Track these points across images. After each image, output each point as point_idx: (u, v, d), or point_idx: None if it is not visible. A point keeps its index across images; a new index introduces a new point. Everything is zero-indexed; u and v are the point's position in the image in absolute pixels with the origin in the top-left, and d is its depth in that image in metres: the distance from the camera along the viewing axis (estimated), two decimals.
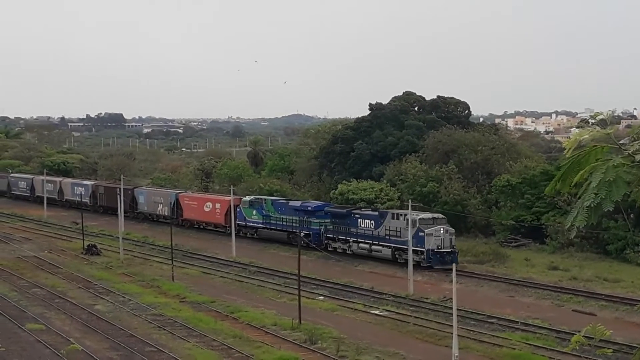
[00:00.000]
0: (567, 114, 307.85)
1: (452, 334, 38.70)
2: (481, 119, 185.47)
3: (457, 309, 40.10)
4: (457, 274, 59.96)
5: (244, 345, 44.15)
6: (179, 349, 43.56)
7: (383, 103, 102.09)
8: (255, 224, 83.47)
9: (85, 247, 79.03)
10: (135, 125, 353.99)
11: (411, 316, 51.51)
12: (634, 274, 62.12)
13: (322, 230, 75.38)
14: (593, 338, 7.30)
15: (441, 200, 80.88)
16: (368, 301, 56.88)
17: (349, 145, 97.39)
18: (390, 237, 67.59)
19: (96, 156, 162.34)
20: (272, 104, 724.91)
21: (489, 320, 50.24)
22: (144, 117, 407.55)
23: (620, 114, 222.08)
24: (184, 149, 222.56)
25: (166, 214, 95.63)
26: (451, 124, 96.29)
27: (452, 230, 66.85)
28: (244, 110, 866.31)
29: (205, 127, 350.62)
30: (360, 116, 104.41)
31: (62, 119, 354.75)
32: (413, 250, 62.80)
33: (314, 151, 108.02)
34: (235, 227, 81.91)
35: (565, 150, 6.80)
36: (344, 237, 72.76)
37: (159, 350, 43.06)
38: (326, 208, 76.33)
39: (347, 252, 72.34)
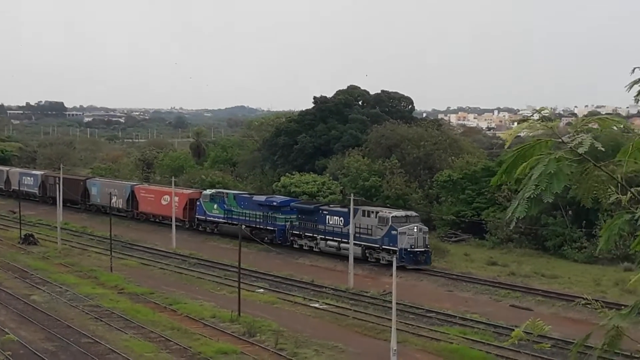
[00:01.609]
0: (508, 110, 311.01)
1: (391, 327, 38.77)
2: (424, 114, 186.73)
3: (397, 303, 40.18)
4: (397, 268, 60.58)
5: (182, 337, 43.83)
6: (116, 340, 43.10)
7: (327, 96, 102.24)
8: (216, 219, 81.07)
9: (22, 236, 77.87)
10: (76, 114, 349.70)
11: (351, 310, 51.57)
12: (571, 270, 62.97)
13: (287, 226, 72.88)
14: (532, 333, 7.23)
15: (383, 194, 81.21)
16: (308, 294, 56.83)
17: (292, 138, 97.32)
18: (361, 235, 64.76)
19: (35, 145, 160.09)
20: (216, 96, 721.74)
21: (427, 315, 50.49)
22: (85, 105, 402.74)
23: (562, 112, 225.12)
24: (125, 139, 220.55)
25: (121, 206, 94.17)
26: (394, 118, 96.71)
27: (426, 229, 65.03)
28: (187, 101, 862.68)
29: (147, 117, 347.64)
30: (304, 109, 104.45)
31: (1, 106, 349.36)
32: (385, 249, 62.60)
33: (257, 143, 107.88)
34: (194, 222, 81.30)
35: (505, 142, 6.77)
36: (311, 234, 70.47)
37: (95, 342, 42.55)
38: (292, 203, 73.79)
39: (314, 249, 70.30)
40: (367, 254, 65.06)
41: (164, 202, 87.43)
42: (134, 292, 56.13)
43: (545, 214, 68.21)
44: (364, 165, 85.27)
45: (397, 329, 38.94)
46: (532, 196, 6.29)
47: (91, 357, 39.79)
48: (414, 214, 65.88)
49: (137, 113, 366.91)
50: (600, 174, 6.49)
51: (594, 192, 6.61)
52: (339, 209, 68.44)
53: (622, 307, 7.62)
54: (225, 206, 79.98)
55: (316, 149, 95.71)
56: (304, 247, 71.30)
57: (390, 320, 39.55)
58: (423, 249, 63.31)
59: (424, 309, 51.50)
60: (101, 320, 47.62)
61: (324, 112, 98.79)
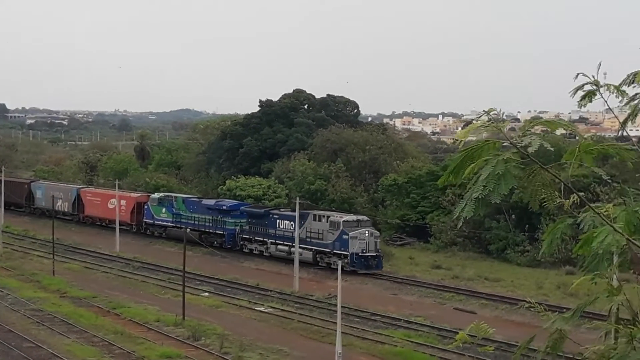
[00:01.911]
0: (453, 115, 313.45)
1: (336, 331, 38.87)
2: (370, 119, 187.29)
3: (342, 307, 40.30)
4: (347, 273, 60.67)
5: (125, 341, 43.49)
6: (58, 344, 42.63)
7: (273, 100, 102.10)
8: (165, 223, 79.88)
9: None
10: (18, 116, 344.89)
11: (296, 313, 51.59)
12: (514, 273, 63.61)
13: (237, 230, 72.16)
14: (476, 336, 7.31)
15: (329, 198, 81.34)
16: (253, 298, 56.74)
17: (237, 141, 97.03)
18: (312, 240, 64.60)
19: None
20: (161, 98, 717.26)
21: (372, 318, 50.68)
22: (27, 107, 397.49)
23: (505, 117, 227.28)
24: (68, 142, 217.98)
25: (66, 210, 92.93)
26: (340, 122, 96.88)
27: (377, 233, 65.10)
28: (132, 104, 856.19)
29: (90, 120, 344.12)
30: (249, 112, 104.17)
31: None
32: (336, 253, 62.42)
33: (202, 146, 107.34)
34: (142, 226, 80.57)
35: (458, 141, 6.82)
36: (262, 239, 69.86)
37: (37, 346, 42.06)
38: (242, 207, 73.30)
39: (265, 254, 69.67)
40: (319, 259, 64.82)
41: (110, 206, 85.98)
42: (76, 296, 55.55)
43: (489, 218, 68.87)
44: (309, 169, 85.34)
45: (342, 332, 39.05)
46: (479, 197, 6.33)
47: None
48: (365, 218, 65.76)
49: (80, 115, 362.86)
50: (546, 177, 6.57)
51: (541, 195, 6.69)
52: (289, 213, 67.72)
53: (565, 310, 7.75)
54: (174, 210, 79.08)
55: (262, 153, 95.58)
56: (254, 252, 70.68)
57: (335, 323, 39.66)
58: (374, 254, 63.08)
59: (368, 313, 51.68)
60: (43, 325, 47.06)
61: (270, 116, 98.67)
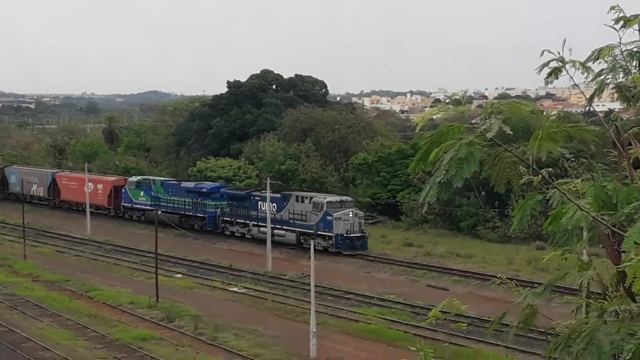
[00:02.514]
0: (421, 93, 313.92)
1: (310, 310, 39.06)
2: (338, 98, 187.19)
3: (315, 285, 40.48)
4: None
5: (99, 324, 43.51)
6: (31, 328, 42.56)
7: (241, 81, 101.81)
8: (143, 206, 79.37)
9: None
10: None
11: (270, 293, 51.77)
12: (485, 249, 64.05)
13: (218, 213, 71.96)
14: (449, 312, 7.44)
15: (299, 177, 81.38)
16: (227, 278, 56.85)
17: (206, 122, 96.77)
18: (295, 221, 64.60)
19: None
20: (128, 81, 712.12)
21: (345, 296, 50.96)
22: None
23: (472, 94, 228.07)
24: (36, 125, 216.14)
25: (42, 194, 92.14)
26: (309, 102, 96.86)
27: (362, 214, 64.97)
28: (99, 87, 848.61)
29: (57, 103, 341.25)
30: (218, 94, 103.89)
31: None
32: (320, 234, 62.24)
33: (171, 128, 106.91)
34: (120, 210, 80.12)
35: (417, 127, 6.91)
36: (243, 221, 69.68)
37: (10, 330, 41.99)
38: (222, 189, 73.13)
39: (247, 236, 69.39)
40: (302, 240, 64.31)
41: (86, 190, 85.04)
42: (49, 279, 55.42)
43: (459, 195, 69.24)
44: (279, 149, 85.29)
45: (316, 311, 39.26)
46: (442, 181, 6.41)
47: (6, 346, 39.23)
48: (349, 199, 65.64)
49: (47, 99, 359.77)
50: (511, 156, 6.65)
51: (506, 175, 6.77)
52: (271, 194, 66.60)
53: (536, 285, 7.89)
54: (153, 193, 78.72)
55: (231, 134, 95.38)
56: (236, 234, 70.45)
57: (309, 302, 39.85)
58: (359, 234, 63.13)
59: (342, 291, 51.95)
60: (16, 309, 46.96)
61: (238, 97, 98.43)
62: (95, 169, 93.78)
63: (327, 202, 63.46)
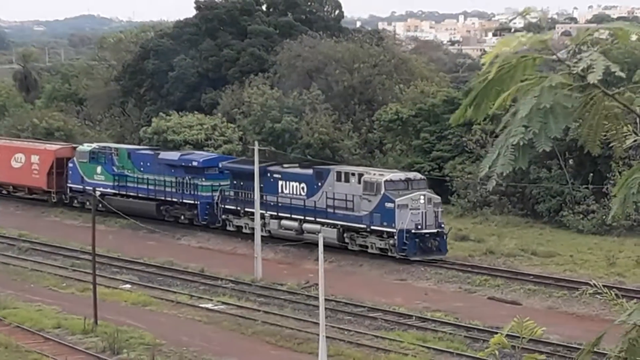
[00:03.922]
0: (479, 15, 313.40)
1: (317, 335, 39.15)
2: (359, 24, 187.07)
3: (326, 300, 40.57)
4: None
5: (11, 358, 43.63)
6: None
7: (216, 0, 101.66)
8: (102, 189, 73.35)
9: None
10: None
11: (259, 311, 51.84)
12: (574, 244, 63.86)
13: (217, 198, 69.38)
14: (520, 338, 7.47)
15: (302, 141, 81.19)
16: (197, 290, 56.94)
17: (165, 61, 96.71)
18: (336, 211, 62.06)
19: None
20: (51, 1, 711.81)
21: (370, 315, 50.98)
22: None
23: (555, 16, 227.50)
24: None
25: None
26: (315, 30, 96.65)
27: (438, 198, 62.41)
28: (7, 10, 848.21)
29: None
30: (182, 19, 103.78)
31: None
32: (375, 230, 60.41)
33: (114, 70, 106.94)
34: (66, 194, 78.31)
35: (484, 68, 6.71)
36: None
37: None
38: (223, 163, 70.62)
39: (262, 232, 62.61)
40: (347, 239, 62.32)
41: (16, 164, 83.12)
42: None
43: (536, 166, 68.97)
44: (272, 100, 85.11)
45: (326, 337, 39.34)
46: (520, 142, 6.23)
47: None
48: (418, 176, 63.57)
49: None
50: (613, 106, 6.57)
51: (604, 132, 6.70)
52: (298, 170, 65.88)
53: None
54: (115, 169, 75.82)
55: (202, 77, 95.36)
56: (244, 230, 67.49)
57: (317, 324, 39.94)
58: (435, 230, 60.66)
59: (365, 307, 51.97)
60: None
61: (212, 22, 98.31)
62: (4, 130, 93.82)
63: (385, 181, 60.61)
